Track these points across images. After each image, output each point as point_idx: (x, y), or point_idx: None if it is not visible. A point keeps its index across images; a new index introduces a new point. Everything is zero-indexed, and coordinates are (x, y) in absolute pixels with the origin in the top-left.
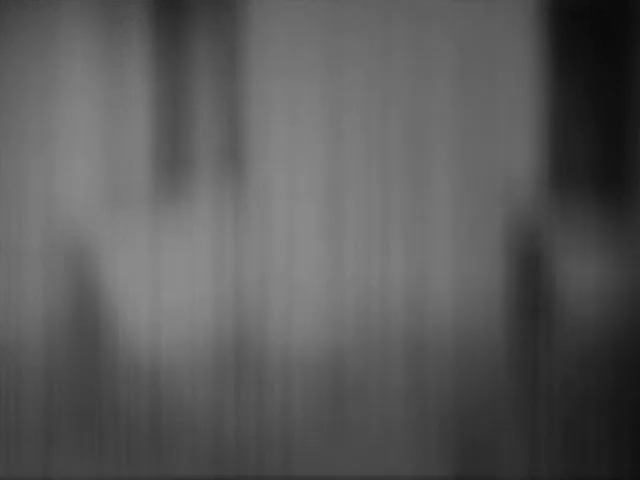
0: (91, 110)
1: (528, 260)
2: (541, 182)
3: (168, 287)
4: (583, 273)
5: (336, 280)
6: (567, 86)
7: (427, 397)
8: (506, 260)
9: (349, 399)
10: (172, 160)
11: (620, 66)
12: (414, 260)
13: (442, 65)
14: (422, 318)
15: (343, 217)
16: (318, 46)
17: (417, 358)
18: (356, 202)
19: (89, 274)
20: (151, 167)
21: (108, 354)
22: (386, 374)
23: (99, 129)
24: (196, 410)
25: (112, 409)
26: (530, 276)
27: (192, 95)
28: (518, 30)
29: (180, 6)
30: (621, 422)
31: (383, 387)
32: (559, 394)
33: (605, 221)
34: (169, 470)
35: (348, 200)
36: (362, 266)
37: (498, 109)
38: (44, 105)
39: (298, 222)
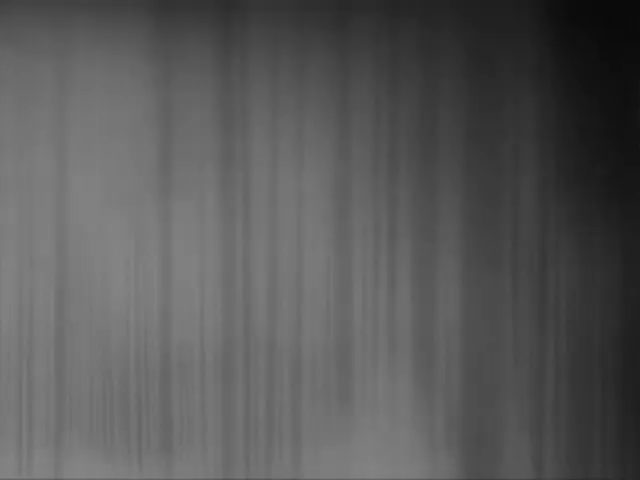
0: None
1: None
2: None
3: (178, 286)
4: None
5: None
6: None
7: (433, 398)
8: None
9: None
10: (182, 164)
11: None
12: (421, 260)
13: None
14: (430, 318)
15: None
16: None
17: (424, 357)
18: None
19: (98, 272)
20: (161, 171)
21: (119, 352)
22: (393, 375)
23: (108, 134)
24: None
25: (124, 404)
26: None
27: (199, 99)
28: None
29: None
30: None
31: (390, 389)
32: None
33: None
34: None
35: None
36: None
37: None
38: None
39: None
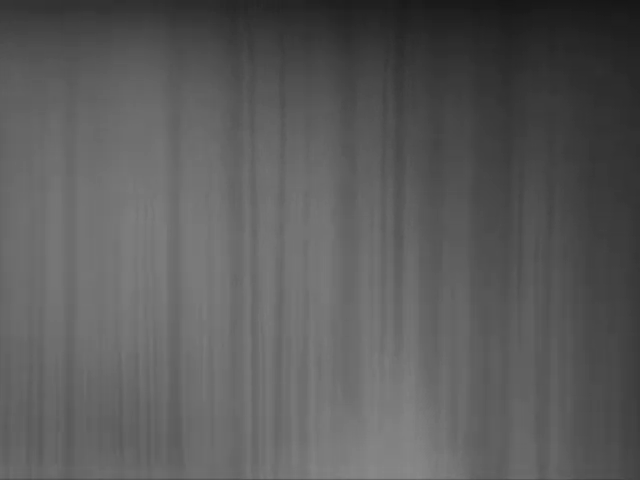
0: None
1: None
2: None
3: (187, 290)
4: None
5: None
6: None
7: (439, 398)
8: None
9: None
10: (190, 165)
11: None
12: (428, 259)
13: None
14: (436, 318)
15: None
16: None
17: (430, 357)
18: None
19: (107, 274)
20: (169, 172)
21: (128, 352)
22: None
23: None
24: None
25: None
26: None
27: (207, 99)
28: None
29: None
30: None
31: (396, 393)
32: None
33: None
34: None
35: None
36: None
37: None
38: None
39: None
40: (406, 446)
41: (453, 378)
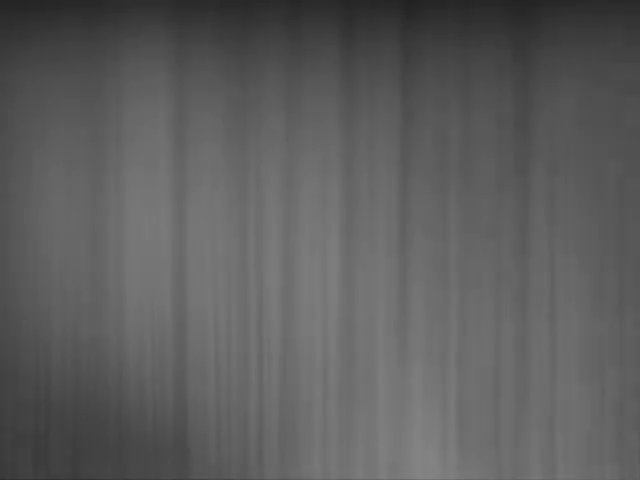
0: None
1: None
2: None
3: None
4: None
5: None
6: None
7: (445, 398)
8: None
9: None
10: (194, 166)
11: None
12: (433, 260)
13: None
14: (441, 317)
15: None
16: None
17: (436, 356)
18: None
19: (112, 274)
20: (174, 172)
21: (134, 352)
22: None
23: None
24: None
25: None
26: None
27: (212, 99)
28: None
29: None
30: None
31: (400, 390)
32: None
33: None
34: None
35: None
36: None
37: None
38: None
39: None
40: (411, 446)
41: (461, 379)
